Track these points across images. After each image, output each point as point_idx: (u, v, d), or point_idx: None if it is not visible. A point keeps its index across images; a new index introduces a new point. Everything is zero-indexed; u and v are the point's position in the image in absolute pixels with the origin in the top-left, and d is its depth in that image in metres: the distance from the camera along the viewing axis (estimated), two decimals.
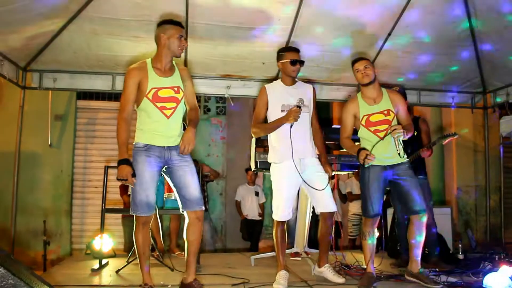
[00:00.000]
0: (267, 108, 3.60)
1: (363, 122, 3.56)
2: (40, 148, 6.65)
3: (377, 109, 3.56)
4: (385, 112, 3.55)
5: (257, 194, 6.99)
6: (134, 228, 3.08)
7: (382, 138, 3.47)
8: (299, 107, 3.41)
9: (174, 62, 3.16)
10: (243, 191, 6.99)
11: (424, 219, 3.54)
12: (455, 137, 3.94)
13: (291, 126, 3.41)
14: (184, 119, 3.21)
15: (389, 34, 4.89)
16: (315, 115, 3.70)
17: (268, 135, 3.65)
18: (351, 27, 4.78)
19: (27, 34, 4.34)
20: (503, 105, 5.76)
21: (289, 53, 3.60)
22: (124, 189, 5.39)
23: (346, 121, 3.66)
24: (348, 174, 6.91)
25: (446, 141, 4.05)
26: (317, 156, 3.66)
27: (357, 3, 4.52)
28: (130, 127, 3.03)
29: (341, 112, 3.74)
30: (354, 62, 3.65)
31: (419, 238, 3.57)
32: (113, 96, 6.89)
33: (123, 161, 2.92)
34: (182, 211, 3.13)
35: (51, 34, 4.54)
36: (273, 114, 3.57)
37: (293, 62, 3.54)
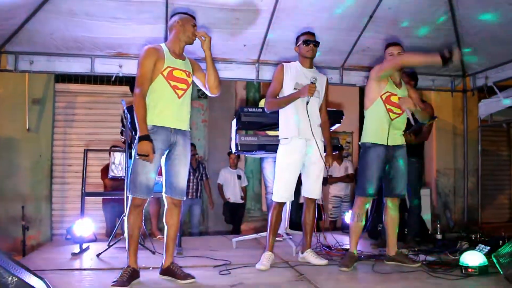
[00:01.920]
0: (282, 86, 3.66)
1: (383, 97, 3.58)
2: (18, 133, 6.51)
3: (399, 93, 3.63)
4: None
5: (239, 177, 7.00)
6: (128, 209, 3.07)
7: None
8: (313, 83, 3.48)
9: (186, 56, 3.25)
10: (226, 175, 6.98)
11: (398, 203, 3.68)
12: (435, 119, 4.00)
13: (307, 103, 3.49)
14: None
15: (371, 17, 4.88)
16: (324, 106, 3.79)
17: (281, 111, 3.67)
18: (333, 9, 4.75)
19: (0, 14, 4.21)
20: (482, 89, 5.84)
21: (302, 36, 3.71)
22: (105, 173, 5.34)
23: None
24: None
25: (426, 124, 4.10)
26: (323, 141, 3.71)
27: None
28: (147, 105, 3.02)
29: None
30: (389, 45, 3.71)
31: (394, 222, 3.67)
32: (93, 79, 6.78)
33: (144, 137, 2.91)
34: (164, 195, 3.17)
35: (26, 14, 4.41)
36: (287, 91, 3.64)
37: (306, 42, 3.64)
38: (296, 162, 3.58)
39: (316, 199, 3.72)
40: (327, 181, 6.91)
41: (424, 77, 6.00)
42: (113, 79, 5.49)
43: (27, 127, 6.47)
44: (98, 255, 3.95)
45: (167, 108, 3.06)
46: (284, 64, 3.73)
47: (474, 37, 5.07)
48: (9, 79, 5.72)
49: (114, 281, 2.87)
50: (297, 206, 5.25)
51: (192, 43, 3.22)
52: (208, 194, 6.80)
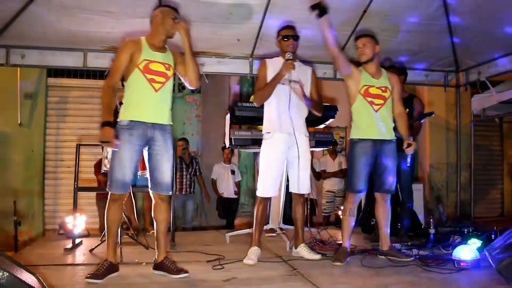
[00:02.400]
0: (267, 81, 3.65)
1: (361, 91, 3.57)
2: (10, 128, 6.46)
3: (377, 83, 3.60)
4: (383, 88, 3.60)
5: (233, 172, 7.00)
6: (107, 204, 3.05)
7: None
8: (288, 59, 3.47)
9: (168, 48, 3.19)
10: (219, 170, 6.98)
11: (389, 198, 3.66)
12: (432, 116, 3.97)
13: (290, 84, 3.46)
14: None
15: (365, 11, 4.87)
16: (315, 94, 3.75)
17: (264, 105, 3.66)
18: (328, 3, 4.73)
19: None
20: (475, 84, 5.86)
21: (282, 30, 3.70)
22: (98, 168, 5.31)
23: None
24: (323, 151, 6.98)
25: (423, 120, 4.09)
26: (307, 136, 3.70)
27: None
28: (115, 95, 3.04)
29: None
30: (356, 37, 3.69)
31: (386, 217, 3.67)
32: (85, 73, 6.74)
33: (106, 123, 2.87)
34: (149, 190, 3.16)
35: (17, 7, 4.36)
36: None
37: (285, 37, 3.62)
38: (279, 157, 3.57)
39: (303, 194, 3.70)
40: (321, 176, 6.93)
41: (417, 72, 6.02)
42: (106, 73, 5.44)
43: (19, 122, 6.43)
44: (91, 251, 3.93)
45: (143, 102, 3.03)
46: (266, 60, 3.73)
47: (468, 32, 5.08)
48: (0, 73, 5.66)
49: (89, 274, 2.87)
50: (291, 200, 5.24)
51: (172, 36, 3.15)
52: (203, 188, 6.80)
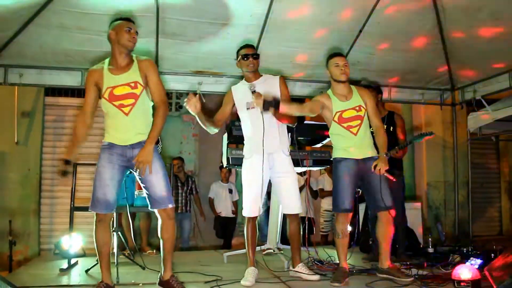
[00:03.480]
0: (231, 108, 3.72)
1: (335, 119, 3.58)
2: (6, 146, 6.45)
3: (349, 105, 3.59)
4: (357, 108, 3.59)
5: (230, 191, 6.98)
6: (94, 226, 3.06)
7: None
8: (253, 92, 3.41)
9: (134, 56, 3.13)
10: (217, 189, 6.95)
11: (391, 215, 3.58)
12: (432, 136, 3.93)
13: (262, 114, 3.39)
14: (153, 110, 3.17)
15: (360, 31, 4.92)
16: (287, 102, 3.63)
17: (243, 128, 3.69)
18: (324, 23, 4.79)
19: None
20: (471, 102, 5.90)
21: (240, 50, 3.70)
22: None
23: (309, 104, 3.63)
24: (321, 170, 6.97)
25: (422, 140, 4.05)
26: (288, 154, 3.67)
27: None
28: (86, 128, 3.11)
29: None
30: (333, 55, 3.66)
31: (387, 235, 3.61)
32: (82, 92, 6.69)
33: (65, 161, 3.08)
34: (154, 210, 3.13)
35: (16, 27, 4.39)
36: (241, 113, 3.68)
37: (245, 57, 3.63)
38: (258, 178, 3.54)
39: (297, 214, 3.66)
40: (318, 194, 6.90)
41: (413, 91, 6.08)
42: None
43: (16, 140, 6.42)
44: (86, 271, 3.88)
45: (116, 128, 3.06)
46: (232, 87, 3.77)
47: (462, 50, 5.14)
48: None
49: None
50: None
51: (132, 48, 3.06)
52: (199, 207, 6.76)
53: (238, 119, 3.80)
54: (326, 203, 6.88)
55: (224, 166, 4.42)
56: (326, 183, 6.87)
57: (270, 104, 3.28)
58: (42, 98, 6.80)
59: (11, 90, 5.95)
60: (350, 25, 4.86)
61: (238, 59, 3.68)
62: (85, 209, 5.54)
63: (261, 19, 4.68)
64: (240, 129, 3.97)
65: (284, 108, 3.34)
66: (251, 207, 3.59)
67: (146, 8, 4.34)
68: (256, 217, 3.65)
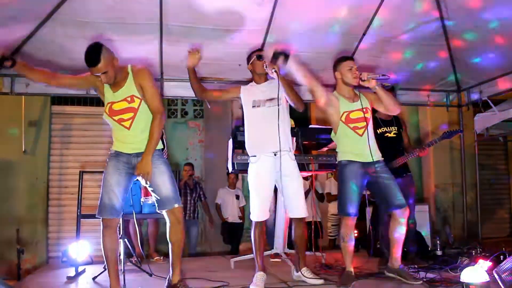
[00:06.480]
0: (230, 98, 3.85)
1: (343, 119, 3.57)
2: (14, 155, 6.50)
3: (356, 106, 3.60)
4: (364, 110, 3.59)
5: (237, 197, 6.97)
6: (101, 232, 3.07)
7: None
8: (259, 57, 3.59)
9: (129, 66, 3.16)
10: (224, 194, 6.95)
11: (406, 213, 3.55)
12: (460, 133, 3.92)
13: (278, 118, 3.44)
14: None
15: (364, 34, 4.91)
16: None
17: (246, 127, 3.67)
18: (327, 28, 4.79)
19: None
20: (477, 103, 5.86)
21: (253, 53, 3.75)
22: None
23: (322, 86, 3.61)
24: (327, 174, 6.94)
25: (452, 138, 4.07)
26: (294, 158, 3.65)
27: (331, 3, 4.53)
28: (44, 76, 3.39)
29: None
30: (345, 58, 3.68)
31: (400, 234, 3.58)
32: (89, 100, 6.80)
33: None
34: (159, 212, 3.16)
35: (22, 38, 4.43)
36: (246, 110, 3.69)
37: (259, 57, 3.66)
38: (267, 181, 3.55)
39: (302, 218, 3.64)
40: (324, 198, 6.88)
41: (419, 93, 6.04)
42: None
43: (23, 149, 6.46)
44: (94, 278, 3.89)
45: (121, 140, 3.14)
46: (241, 86, 3.80)
47: (466, 50, 5.11)
48: (5, 101, 5.72)
49: None
50: None
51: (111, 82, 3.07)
52: (208, 214, 6.76)
53: (243, 125, 3.79)
54: (333, 208, 6.84)
55: (230, 172, 4.42)
56: (333, 186, 6.84)
57: (280, 54, 3.26)
58: (49, 107, 6.86)
59: (18, 100, 6.00)
60: (353, 29, 4.86)
61: (251, 60, 3.71)
62: (91, 216, 5.57)
63: (264, 24, 4.68)
64: None
65: (294, 63, 3.32)
66: (258, 212, 3.56)
67: (149, 17, 4.37)
68: (265, 221, 3.63)
